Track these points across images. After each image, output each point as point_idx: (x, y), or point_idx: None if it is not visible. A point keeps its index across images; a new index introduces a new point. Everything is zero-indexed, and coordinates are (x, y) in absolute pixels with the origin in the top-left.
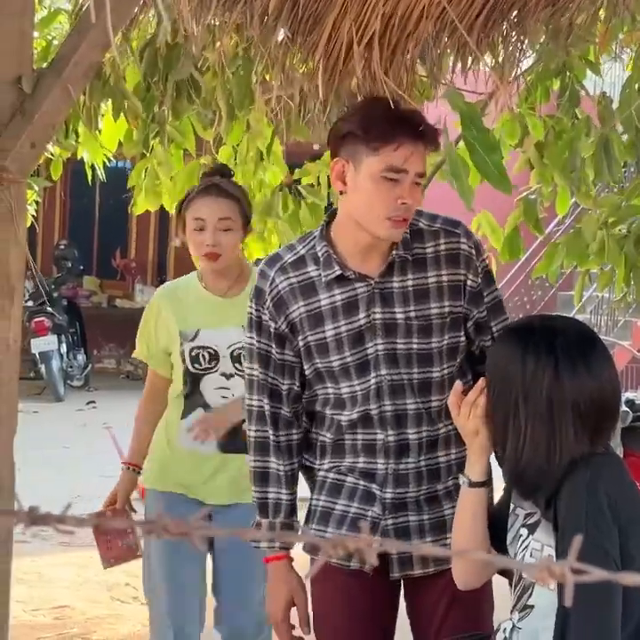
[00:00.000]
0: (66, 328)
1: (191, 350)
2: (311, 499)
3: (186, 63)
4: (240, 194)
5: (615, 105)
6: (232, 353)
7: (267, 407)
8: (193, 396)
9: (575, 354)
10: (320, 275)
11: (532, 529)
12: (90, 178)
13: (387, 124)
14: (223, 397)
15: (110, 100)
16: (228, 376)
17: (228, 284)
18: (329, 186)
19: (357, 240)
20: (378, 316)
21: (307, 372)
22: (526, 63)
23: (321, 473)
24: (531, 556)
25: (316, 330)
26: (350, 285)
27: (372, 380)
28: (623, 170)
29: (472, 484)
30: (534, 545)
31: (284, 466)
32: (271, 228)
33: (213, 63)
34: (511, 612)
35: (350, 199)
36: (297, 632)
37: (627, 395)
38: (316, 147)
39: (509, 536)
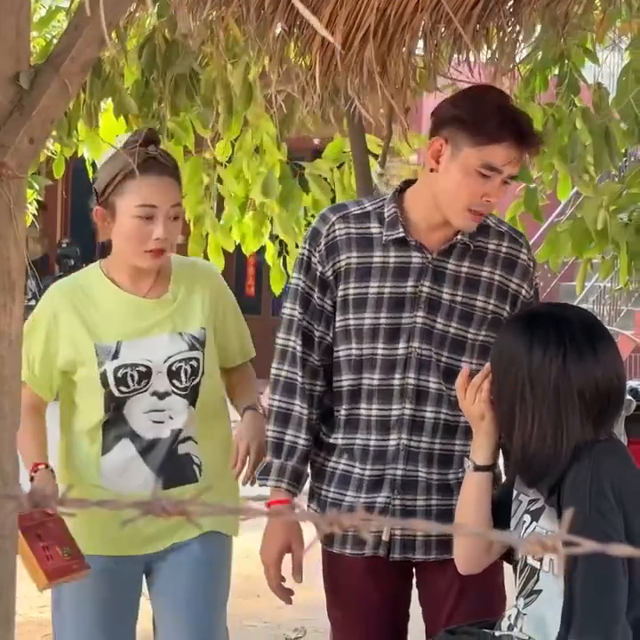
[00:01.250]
0: None
1: (116, 371)
2: (321, 488)
3: (185, 57)
4: (177, 169)
5: (614, 94)
6: (170, 367)
7: (299, 349)
8: (115, 425)
9: (582, 342)
10: (381, 233)
11: (535, 515)
12: (91, 175)
13: (497, 122)
14: (155, 422)
15: (110, 98)
16: (162, 395)
17: (150, 282)
18: (342, 183)
19: (429, 216)
20: (425, 289)
21: (338, 326)
22: (524, 52)
23: (333, 459)
24: None
25: (361, 283)
26: (407, 252)
27: (402, 351)
28: (624, 158)
29: (477, 468)
30: (539, 531)
31: (308, 411)
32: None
33: (213, 57)
34: (516, 598)
35: (438, 180)
36: (287, 584)
37: (630, 383)
38: (316, 141)
39: (513, 522)
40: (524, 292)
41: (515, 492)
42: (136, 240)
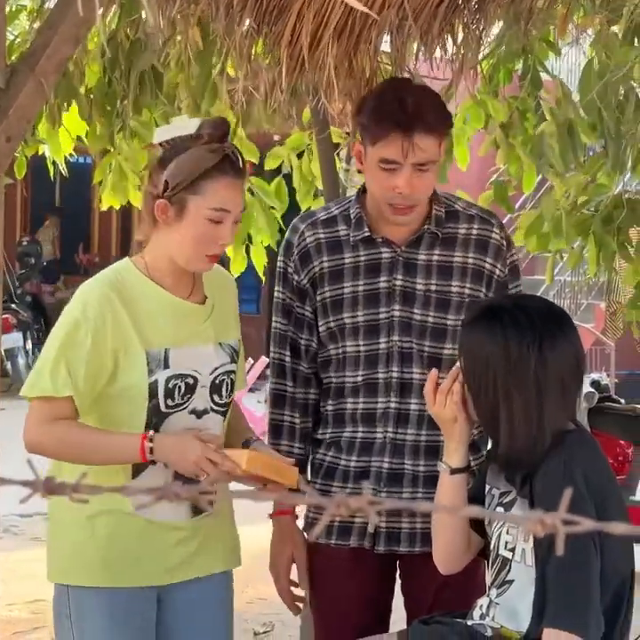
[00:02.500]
0: (31, 324)
1: (168, 381)
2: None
3: (148, 54)
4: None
5: (574, 89)
6: (214, 380)
7: (287, 359)
8: None
9: (553, 328)
10: (348, 235)
11: (508, 507)
12: (52, 174)
13: (381, 117)
14: None
15: (73, 98)
16: (200, 414)
17: (191, 285)
18: (301, 170)
19: (380, 212)
20: (399, 282)
21: (321, 331)
22: (488, 48)
23: (320, 452)
24: (507, 533)
25: (335, 285)
26: (376, 249)
27: (383, 345)
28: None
29: (453, 471)
30: (511, 523)
31: (299, 420)
32: None
33: (176, 56)
34: (489, 588)
35: (366, 179)
36: (296, 591)
37: (592, 376)
38: (276, 137)
39: (486, 517)
40: (497, 271)
41: (487, 487)
42: (203, 243)
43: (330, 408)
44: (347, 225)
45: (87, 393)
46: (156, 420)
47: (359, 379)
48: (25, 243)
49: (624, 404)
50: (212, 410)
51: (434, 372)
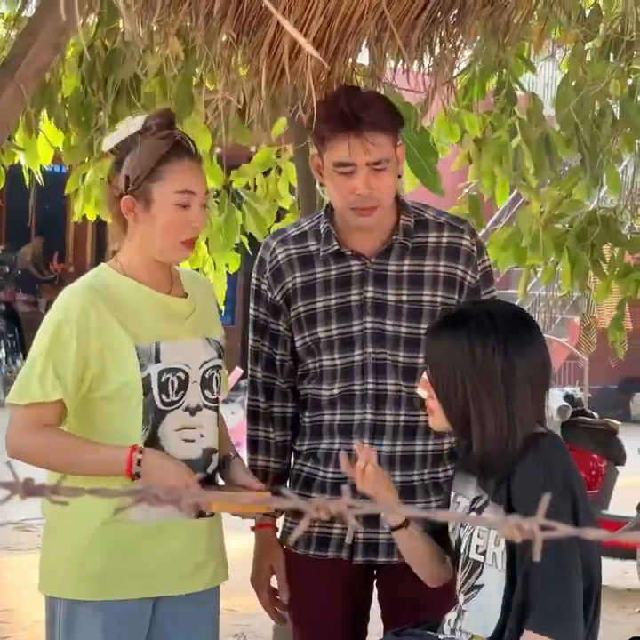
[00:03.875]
0: (5, 333)
1: (160, 374)
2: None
3: (128, 63)
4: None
5: (549, 104)
6: (204, 374)
7: (259, 376)
8: (150, 446)
9: (518, 330)
10: (319, 249)
11: (479, 513)
12: (27, 182)
13: (325, 121)
14: (186, 441)
15: (49, 107)
16: (194, 410)
17: (169, 280)
18: (267, 188)
19: (346, 222)
20: (369, 294)
21: (297, 346)
22: (464, 62)
23: (298, 463)
24: (478, 536)
25: (308, 300)
26: (346, 262)
27: (357, 357)
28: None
29: (394, 529)
30: (481, 528)
31: (274, 435)
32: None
33: (155, 67)
34: (458, 593)
35: (328, 190)
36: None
37: (566, 390)
38: (253, 149)
39: (451, 524)
40: (468, 277)
41: (452, 494)
42: (174, 230)
43: (307, 420)
44: (317, 240)
45: (74, 395)
46: (153, 417)
47: (335, 391)
48: None
49: (597, 418)
50: (205, 406)
51: (343, 456)
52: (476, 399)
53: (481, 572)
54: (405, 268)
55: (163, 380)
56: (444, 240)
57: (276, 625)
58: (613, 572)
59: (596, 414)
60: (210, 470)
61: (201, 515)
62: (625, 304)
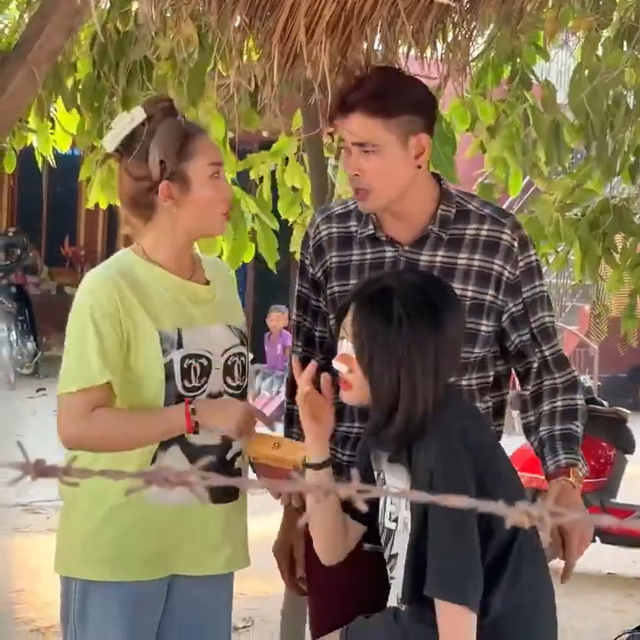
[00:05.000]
0: (15, 316)
1: (183, 360)
2: None
3: (140, 45)
4: None
5: (564, 91)
6: (227, 362)
7: (299, 350)
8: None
9: (440, 298)
10: (358, 231)
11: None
12: (40, 165)
13: (334, 99)
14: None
15: (60, 92)
16: (215, 396)
17: (191, 268)
18: (274, 183)
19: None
20: None
21: (331, 324)
22: (478, 49)
23: None
24: (391, 502)
25: (342, 282)
26: (380, 247)
27: None
28: (570, 156)
29: (309, 465)
30: (392, 490)
31: None
32: None
33: (167, 50)
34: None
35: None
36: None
37: None
38: (265, 134)
39: (381, 502)
40: (506, 273)
41: (376, 473)
42: (215, 202)
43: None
44: (358, 221)
45: (119, 375)
46: (174, 402)
47: None
48: (10, 234)
49: (607, 406)
50: (226, 393)
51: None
52: (408, 365)
53: (393, 542)
54: (438, 259)
55: (185, 365)
56: (484, 233)
57: (284, 610)
58: (621, 560)
59: (605, 403)
60: (228, 456)
61: (217, 500)
62: (637, 294)
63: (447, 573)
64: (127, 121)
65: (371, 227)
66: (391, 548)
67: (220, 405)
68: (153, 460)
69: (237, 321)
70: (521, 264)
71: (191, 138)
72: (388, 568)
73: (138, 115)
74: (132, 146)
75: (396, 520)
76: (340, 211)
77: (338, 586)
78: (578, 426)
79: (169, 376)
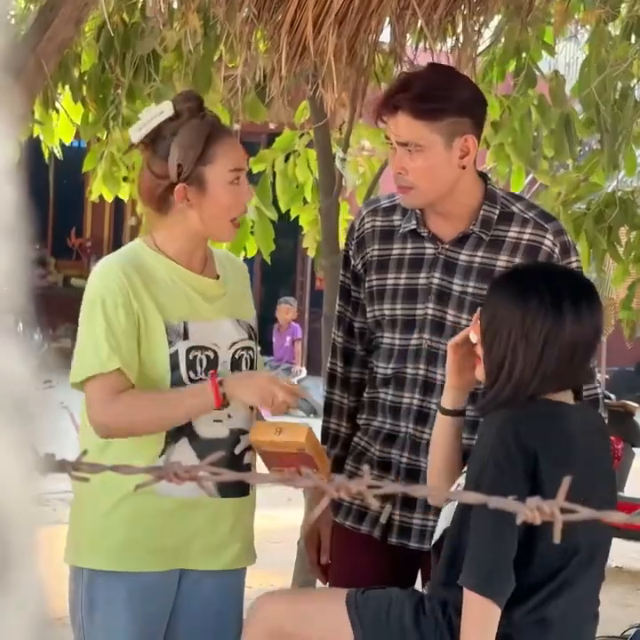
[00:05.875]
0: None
1: (188, 352)
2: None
3: (148, 39)
4: None
5: (571, 84)
6: (234, 355)
7: (339, 340)
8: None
9: (575, 297)
10: (401, 225)
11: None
12: (46, 157)
13: (381, 97)
14: (215, 421)
15: (63, 82)
16: None
17: (203, 263)
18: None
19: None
20: (436, 280)
21: (368, 317)
22: (486, 42)
23: (357, 436)
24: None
25: (380, 276)
26: (421, 243)
27: (414, 341)
28: (578, 148)
29: (444, 411)
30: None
31: (348, 400)
32: None
33: (174, 42)
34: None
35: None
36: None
37: None
38: (272, 126)
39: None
40: None
41: None
42: (229, 210)
43: (366, 395)
44: (403, 215)
45: (134, 362)
46: None
47: (389, 371)
48: None
49: (614, 400)
50: None
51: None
52: (514, 351)
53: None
54: (477, 259)
55: (191, 357)
56: (525, 237)
57: None
58: (629, 553)
59: (612, 396)
60: (237, 451)
61: (226, 495)
62: (636, 285)
63: (480, 565)
64: (155, 114)
65: (413, 222)
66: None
67: (246, 376)
68: (162, 453)
69: (247, 315)
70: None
71: (214, 141)
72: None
73: (166, 110)
74: (157, 142)
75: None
76: (387, 204)
77: (360, 578)
78: None
79: (174, 366)
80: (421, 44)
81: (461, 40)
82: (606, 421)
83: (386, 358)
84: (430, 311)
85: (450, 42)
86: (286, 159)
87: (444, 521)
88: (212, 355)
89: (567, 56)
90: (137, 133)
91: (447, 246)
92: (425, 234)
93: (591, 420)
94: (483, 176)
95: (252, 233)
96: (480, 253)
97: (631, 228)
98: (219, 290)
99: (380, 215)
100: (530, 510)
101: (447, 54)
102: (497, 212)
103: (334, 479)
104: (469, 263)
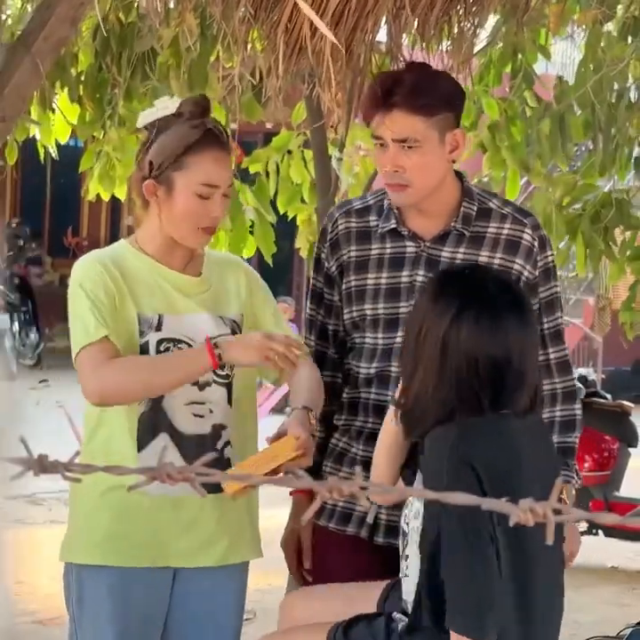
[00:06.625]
0: (18, 306)
1: (159, 343)
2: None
3: (145, 38)
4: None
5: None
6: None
7: (312, 344)
8: (152, 416)
9: (486, 308)
10: (378, 225)
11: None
12: (42, 156)
13: (368, 97)
14: (196, 416)
15: (61, 82)
16: (203, 385)
17: (186, 259)
18: (278, 173)
19: (390, 197)
20: (420, 278)
21: (345, 319)
22: (481, 43)
23: (335, 437)
24: (407, 506)
25: (359, 276)
26: (402, 242)
27: (399, 339)
28: (574, 148)
29: (394, 402)
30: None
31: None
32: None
33: (169, 39)
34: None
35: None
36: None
37: (579, 371)
38: (269, 125)
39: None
40: (526, 273)
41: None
42: (193, 218)
43: (346, 396)
44: (379, 216)
45: (118, 332)
46: None
47: (372, 370)
48: (14, 225)
49: (610, 399)
50: (215, 382)
51: None
52: (417, 360)
53: (406, 543)
54: (459, 255)
55: (162, 348)
56: (505, 232)
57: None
58: (624, 553)
59: (609, 396)
60: (219, 446)
61: (211, 490)
62: (637, 287)
63: (466, 608)
64: (162, 106)
65: (393, 221)
66: (404, 549)
67: (240, 337)
68: (140, 448)
69: (231, 312)
70: (540, 264)
71: (195, 151)
72: (403, 564)
73: (171, 105)
74: (152, 133)
75: (408, 524)
76: (360, 206)
77: (347, 579)
78: (576, 437)
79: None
80: (418, 44)
81: (457, 40)
82: (602, 421)
83: (369, 358)
84: None
85: (446, 41)
86: (282, 159)
87: (415, 520)
88: (185, 348)
89: (563, 56)
90: (142, 120)
91: (429, 244)
92: (405, 233)
93: (536, 431)
94: (458, 174)
95: (251, 233)
96: (462, 249)
97: (626, 228)
98: (199, 287)
99: (355, 217)
100: (522, 512)
101: (443, 54)
102: (475, 208)
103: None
104: (452, 260)
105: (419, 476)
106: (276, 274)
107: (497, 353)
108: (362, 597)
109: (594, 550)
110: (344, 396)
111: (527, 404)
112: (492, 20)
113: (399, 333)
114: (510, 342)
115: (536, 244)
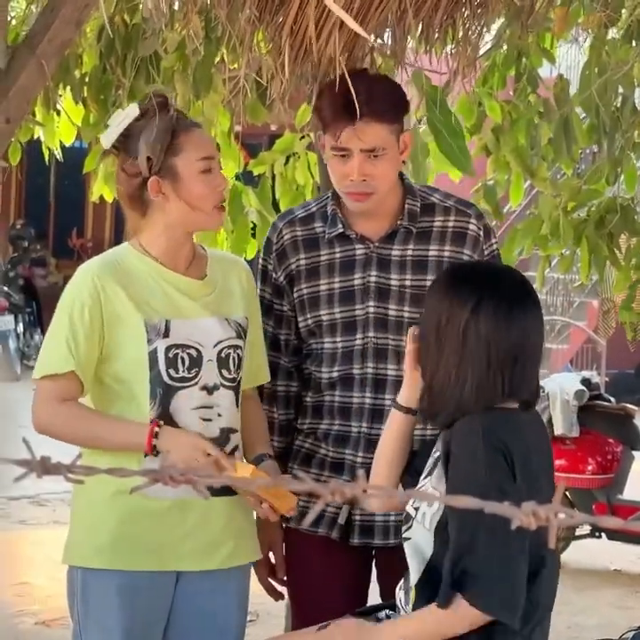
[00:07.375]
0: (22, 308)
1: (167, 350)
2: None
3: (149, 40)
4: None
5: (574, 88)
6: (220, 354)
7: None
8: (164, 422)
9: (502, 297)
10: (325, 231)
11: (431, 471)
12: (47, 158)
13: (328, 105)
14: (205, 420)
15: (65, 83)
16: (211, 389)
17: (189, 260)
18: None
19: (348, 205)
20: (373, 279)
21: (300, 327)
22: (486, 46)
23: (299, 439)
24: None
25: (311, 283)
26: (350, 245)
27: (359, 341)
28: (579, 151)
29: (397, 407)
30: (428, 487)
31: (278, 414)
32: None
33: (175, 42)
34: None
35: (329, 170)
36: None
37: (583, 374)
38: (273, 127)
39: (425, 471)
40: None
41: (434, 448)
42: (206, 197)
43: (309, 400)
44: (324, 222)
45: (88, 366)
46: (161, 392)
47: (334, 374)
48: (18, 226)
49: (614, 402)
50: (223, 385)
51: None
52: (439, 351)
53: (410, 526)
54: (409, 252)
55: (171, 355)
56: (451, 224)
57: (289, 603)
58: (627, 556)
59: (612, 399)
60: (228, 449)
61: (218, 493)
62: (637, 286)
63: (505, 589)
64: (121, 118)
65: (339, 226)
66: (406, 531)
67: (180, 435)
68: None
69: (236, 314)
70: (486, 253)
71: (180, 132)
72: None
73: (131, 111)
74: (128, 143)
75: (416, 508)
76: (303, 214)
77: (323, 584)
78: None
79: (153, 364)
80: (422, 47)
81: (462, 43)
82: (605, 424)
83: (329, 362)
84: (371, 309)
85: (450, 45)
86: (286, 161)
87: (423, 531)
88: (194, 353)
89: (568, 59)
90: (107, 139)
91: (377, 244)
92: (353, 236)
93: (539, 424)
94: (399, 172)
95: (253, 235)
96: (411, 246)
97: (631, 235)
98: (204, 289)
99: (299, 225)
100: (525, 515)
101: (447, 57)
102: (419, 204)
103: (330, 483)
104: (402, 257)
105: (438, 470)
106: None
107: (513, 342)
108: None
109: (597, 553)
110: (307, 400)
111: (532, 393)
112: (497, 23)
113: (358, 335)
114: (524, 332)
115: (481, 233)
